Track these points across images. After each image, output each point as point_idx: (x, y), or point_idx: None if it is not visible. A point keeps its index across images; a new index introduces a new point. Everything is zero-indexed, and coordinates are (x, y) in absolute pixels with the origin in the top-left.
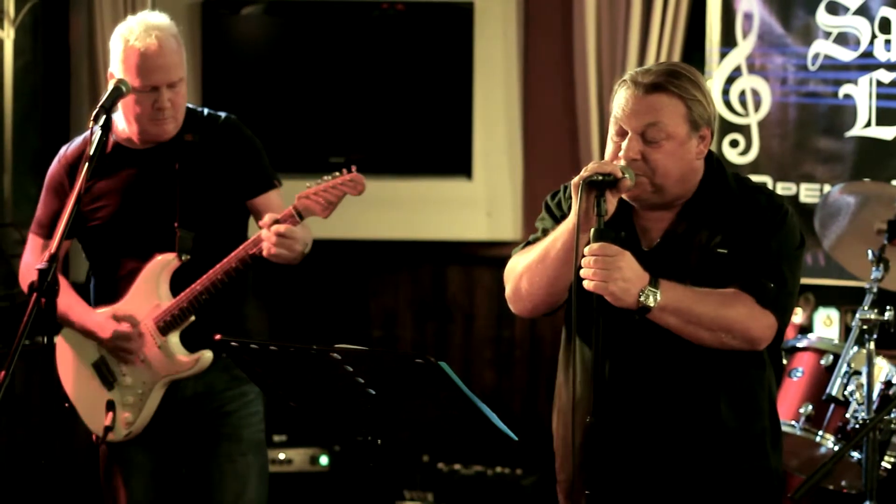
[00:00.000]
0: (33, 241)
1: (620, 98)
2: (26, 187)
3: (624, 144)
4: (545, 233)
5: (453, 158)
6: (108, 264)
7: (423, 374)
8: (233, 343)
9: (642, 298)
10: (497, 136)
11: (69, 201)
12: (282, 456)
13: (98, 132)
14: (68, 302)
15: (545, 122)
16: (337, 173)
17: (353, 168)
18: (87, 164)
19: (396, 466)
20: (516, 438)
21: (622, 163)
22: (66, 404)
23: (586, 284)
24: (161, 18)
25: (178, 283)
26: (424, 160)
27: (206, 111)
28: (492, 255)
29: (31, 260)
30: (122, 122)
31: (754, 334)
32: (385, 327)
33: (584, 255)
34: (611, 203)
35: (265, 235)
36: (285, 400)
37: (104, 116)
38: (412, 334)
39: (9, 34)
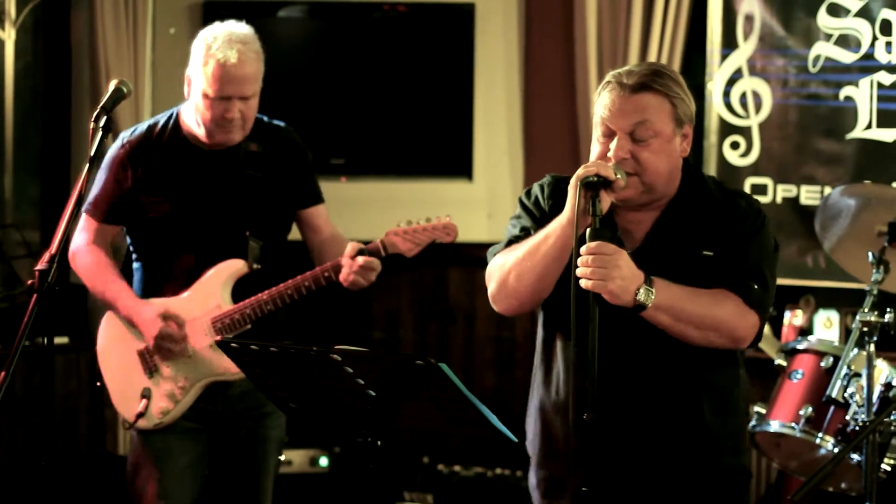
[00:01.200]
0: (87, 222)
1: (606, 99)
2: (27, 188)
3: (612, 145)
4: (524, 230)
5: (454, 160)
6: (162, 257)
7: (424, 375)
8: (233, 345)
9: (639, 297)
10: (498, 138)
11: (70, 202)
12: (282, 457)
13: (100, 133)
14: (118, 291)
15: (546, 124)
16: (433, 219)
17: (447, 216)
18: (88, 165)
19: (396, 468)
20: (516, 440)
21: (612, 163)
22: (98, 383)
23: (584, 283)
24: (245, 30)
25: (235, 287)
26: (425, 161)
27: (265, 118)
28: None
29: (83, 240)
30: (191, 119)
31: (739, 333)
32: (386, 329)
33: (580, 255)
34: (605, 202)
35: (347, 263)
36: (286, 401)
37: (105, 117)
38: (413, 336)
39: (10, 35)
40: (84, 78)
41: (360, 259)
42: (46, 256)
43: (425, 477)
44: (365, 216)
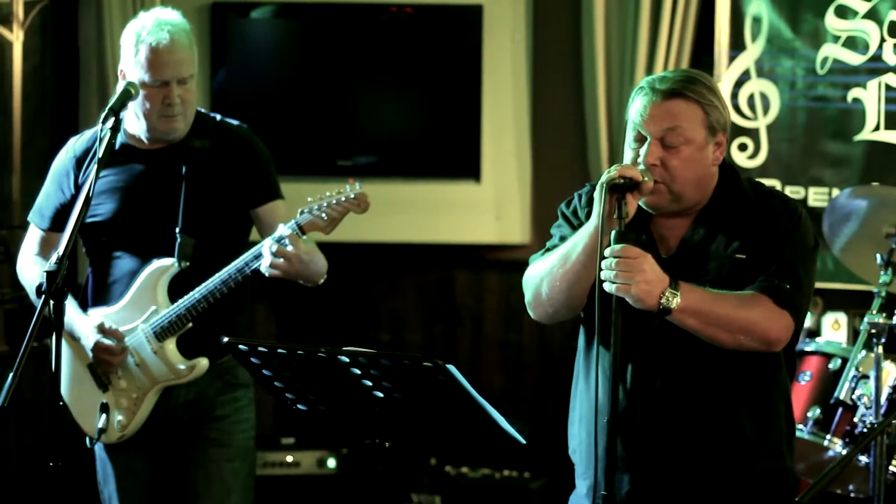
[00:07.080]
0: (33, 232)
1: (639, 104)
2: (35, 189)
3: (643, 150)
4: (563, 240)
5: (462, 161)
6: (105, 263)
7: (432, 377)
8: (241, 346)
9: (663, 300)
10: (506, 139)
11: (77, 203)
12: (289, 459)
13: (108, 133)
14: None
15: (554, 125)
16: (345, 189)
17: (358, 185)
18: (97, 166)
19: (404, 469)
20: (524, 442)
21: (641, 167)
22: (61, 402)
23: (608, 287)
24: (173, 15)
25: (177, 288)
26: (433, 163)
27: (218, 117)
28: (500, 259)
29: (28, 251)
30: (132, 121)
31: (772, 336)
32: (393, 331)
33: (605, 258)
34: (631, 205)
35: (265, 251)
36: (293, 403)
37: (113, 118)
38: (420, 338)
39: (18, 36)
40: (92, 79)
41: (274, 246)
42: (54, 258)
43: (433, 478)
44: (372, 218)
